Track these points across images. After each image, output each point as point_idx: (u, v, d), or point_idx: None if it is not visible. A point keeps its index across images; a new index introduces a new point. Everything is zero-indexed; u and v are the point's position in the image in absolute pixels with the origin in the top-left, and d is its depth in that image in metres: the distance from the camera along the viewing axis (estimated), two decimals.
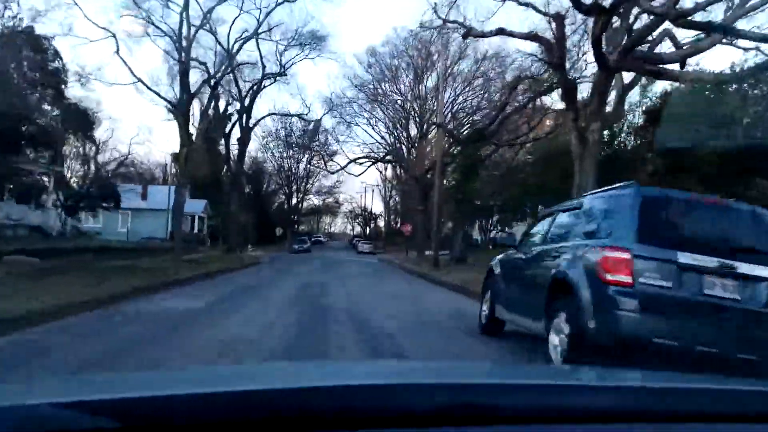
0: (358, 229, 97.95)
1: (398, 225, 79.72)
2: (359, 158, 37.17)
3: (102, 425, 1.02)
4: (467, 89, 62.11)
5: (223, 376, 1.69)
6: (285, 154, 61.95)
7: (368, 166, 39.40)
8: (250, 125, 34.95)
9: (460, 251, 22.69)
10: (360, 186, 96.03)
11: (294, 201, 66.58)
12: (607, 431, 1.21)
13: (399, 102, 48.45)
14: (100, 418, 1.03)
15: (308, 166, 63.32)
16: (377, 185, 77.37)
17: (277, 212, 65.80)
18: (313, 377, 1.58)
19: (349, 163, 36.20)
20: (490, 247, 34.54)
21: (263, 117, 37.35)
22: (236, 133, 35.08)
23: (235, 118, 33.89)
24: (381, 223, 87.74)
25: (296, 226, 73.48)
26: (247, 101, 33.29)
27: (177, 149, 61.90)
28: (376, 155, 40.87)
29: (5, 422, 1.02)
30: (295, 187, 65.07)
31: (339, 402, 1.15)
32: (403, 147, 46.49)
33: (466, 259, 22.66)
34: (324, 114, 38.39)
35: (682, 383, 1.63)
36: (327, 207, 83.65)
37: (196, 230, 52.55)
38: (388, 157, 41.56)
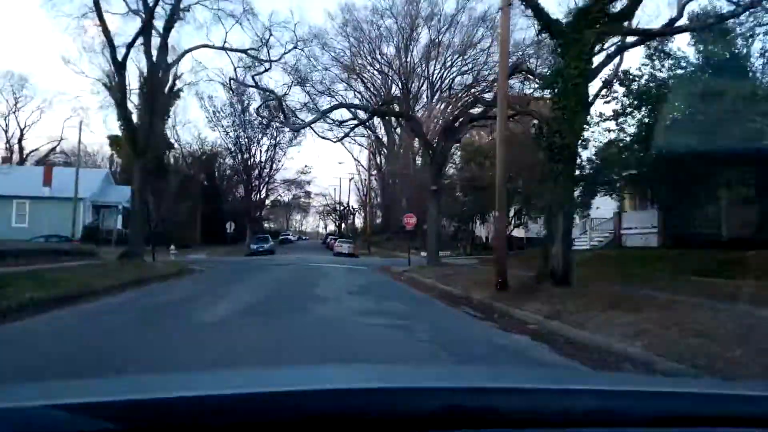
0: (331, 226, 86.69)
1: (379, 220, 68.54)
2: (335, 108, 24.81)
3: (101, 427, 1.02)
4: (459, 60, 50.70)
5: (221, 380, 1.66)
6: (242, 132, 49.45)
7: (355, 125, 27.27)
8: (169, 60, 22.28)
9: (565, 261, 10.41)
10: (334, 179, 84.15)
11: (256, 192, 53.58)
12: None
13: (379, 70, 37.30)
14: (98, 421, 1.02)
15: (270, 149, 50.90)
16: (353, 176, 66.31)
17: (234, 206, 52.78)
18: (311, 381, 1.54)
19: (321, 116, 23.68)
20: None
21: (190, 49, 24.32)
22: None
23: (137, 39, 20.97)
24: (358, 221, 76.20)
25: (260, 222, 60.73)
26: (159, 18, 20.88)
27: (117, 133, 49.07)
28: (368, 106, 28.67)
29: (5, 424, 1.01)
30: (256, 172, 52.22)
31: (341, 405, 1.13)
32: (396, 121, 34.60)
33: (571, 277, 10.50)
34: (284, 53, 26.09)
35: (679, 388, 1.61)
36: (296, 200, 71.08)
37: (119, 226, 39.70)
38: (384, 108, 29.13)
